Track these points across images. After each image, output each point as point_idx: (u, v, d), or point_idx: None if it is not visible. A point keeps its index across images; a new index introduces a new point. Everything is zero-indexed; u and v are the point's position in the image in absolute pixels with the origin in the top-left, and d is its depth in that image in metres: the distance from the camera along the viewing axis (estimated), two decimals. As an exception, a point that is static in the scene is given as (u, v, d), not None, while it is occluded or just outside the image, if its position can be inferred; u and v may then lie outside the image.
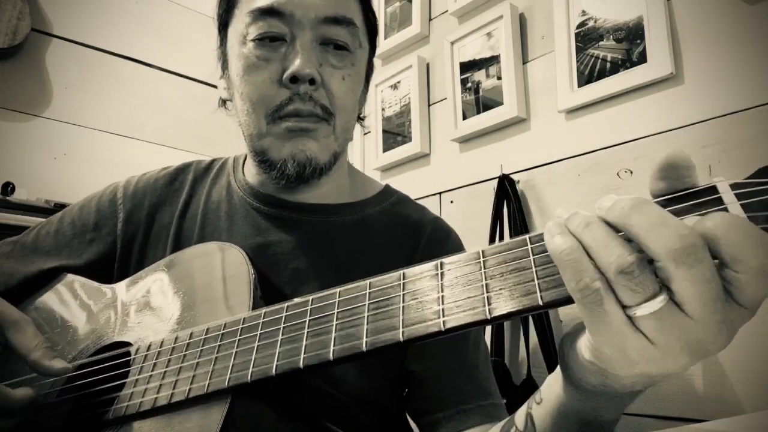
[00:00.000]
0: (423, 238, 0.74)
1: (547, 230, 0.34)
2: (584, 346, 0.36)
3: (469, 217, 1.51)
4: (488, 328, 1.33)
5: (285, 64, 0.65)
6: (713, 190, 0.33)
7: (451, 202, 1.58)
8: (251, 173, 0.77)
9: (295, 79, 0.64)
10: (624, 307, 0.31)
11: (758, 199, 0.31)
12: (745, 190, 0.32)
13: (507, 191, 1.38)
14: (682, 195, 0.34)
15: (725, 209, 0.32)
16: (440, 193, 1.62)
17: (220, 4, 0.73)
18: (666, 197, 0.34)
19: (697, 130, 1.09)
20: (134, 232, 0.77)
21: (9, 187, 1.63)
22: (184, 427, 0.48)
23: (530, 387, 1.25)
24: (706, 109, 1.08)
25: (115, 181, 0.83)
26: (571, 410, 0.41)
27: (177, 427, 0.49)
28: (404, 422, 0.75)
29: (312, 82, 0.64)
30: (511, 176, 1.41)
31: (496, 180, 1.41)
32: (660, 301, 0.30)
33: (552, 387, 0.43)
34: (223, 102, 0.77)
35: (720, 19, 1.09)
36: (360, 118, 0.79)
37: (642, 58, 1.18)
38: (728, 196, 0.32)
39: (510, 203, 1.37)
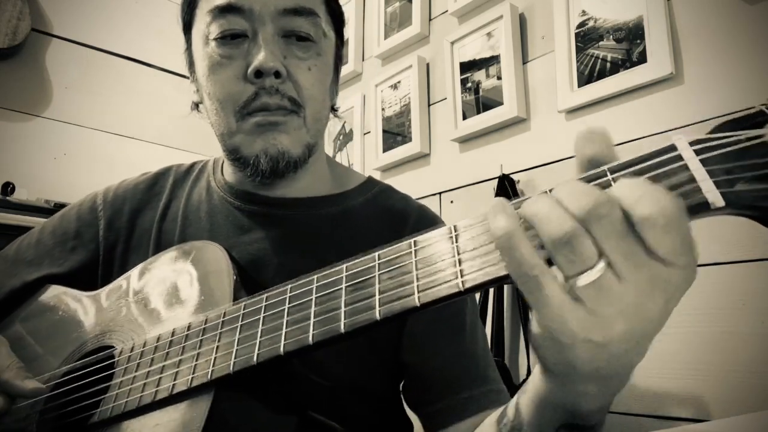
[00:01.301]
0: (408, 227, 0.73)
1: (490, 211, 0.35)
2: (534, 322, 0.37)
3: (468, 217, 1.51)
4: (489, 327, 1.33)
5: (248, 59, 0.65)
6: (672, 148, 0.34)
7: (451, 202, 1.58)
8: (229, 172, 0.77)
9: (259, 73, 0.63)
10: (566, 278, 0.33)
11: (716, 153, 0.32)
12: (703, 146, 0.33)
13: (507, 191, 1.38)
14: (643, 156, 0.34)
15: (685, 166, 0.33)
16: (440, 193, 1.62)
17: (182, 6, 0.73)
18: (628, 160, 0.35)
19: (697, 130, 1.09)
20: (116, 238, 0.76)
21: (9, 187, 1.63)
22: (170, 423, 0.48)
23: (530, 387, 1.25)
24: (706, 109, 1.08)
25: (105, 185, 0.83)
26: (550, 398, 0.41)
27: (162, 424, 0.49)
28: (400, 412, 0.75)
29: (277, 75, 0.64)
30: (511, 176, 1.41)
31: (496, 180, 1.41)
32: (599, 270, 0.31)
33: (533, 375, 0.43)
34: (196, 105, 0.77)
35: (720, 19, 1.09)
36: (333, 109, 0.79)
37: (642, 58, 1.18)
38: (687, 153, 0.33)
39: (510, 203, 1.37)
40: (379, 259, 0.43)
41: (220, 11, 0.65)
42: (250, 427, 0.50)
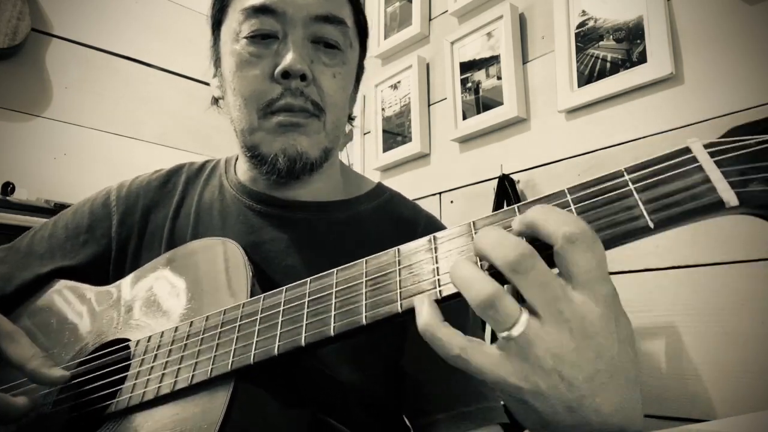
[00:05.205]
0: (417, 236, 0.74)
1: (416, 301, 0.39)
2: None
3: (468, 217, 1.50)
4: (488, 327, 1.33)
5: (277, 60, 0.66)
6: (687, 150, 0.35)
7: (451, 202, 1.58)
8: (243, 171, 0.78)
9: (286, 74, 0.65)
10: (498, 335, 0.35)
11: (730, 155, 0.34)
12: (717, 149, 0.34)
13: (507, 191, 1.38)
14: (658, 157, 0.36)
15: (700, 167, 0.34)
16: (440, 193, 1.62)
17: (214, 3, 0.74)
18: (642, 161, 0.36)
19: (697, 130, 1.09)
20: (128, 234, 0.77)
21: (9, 187, 1.63)
22: (189, 412, 0.48)
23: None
24: (706, 109, 1.08)
25: (108, 185, 0.83)
26: None
27: (182, 413, 0.49)
28: (400, 419, 0.75)
29: (303, 77, 0.65)
30: (511, 176, 1.41)
31: (496, 180, 1.41)
32: (523, 322, 0.33)
33: None
34: (216, 100, 0.78)
35: (720, 19, 1.09)
36: (350, 118, 0.80)
37: (642, 58, 1.18)
38: (702, 155, 0.34)
39: (510, 203, 1.37)
40: (399, 255, 0.44)
41: (255, 11, 0.67)
42: (264, 423, 0.50)
